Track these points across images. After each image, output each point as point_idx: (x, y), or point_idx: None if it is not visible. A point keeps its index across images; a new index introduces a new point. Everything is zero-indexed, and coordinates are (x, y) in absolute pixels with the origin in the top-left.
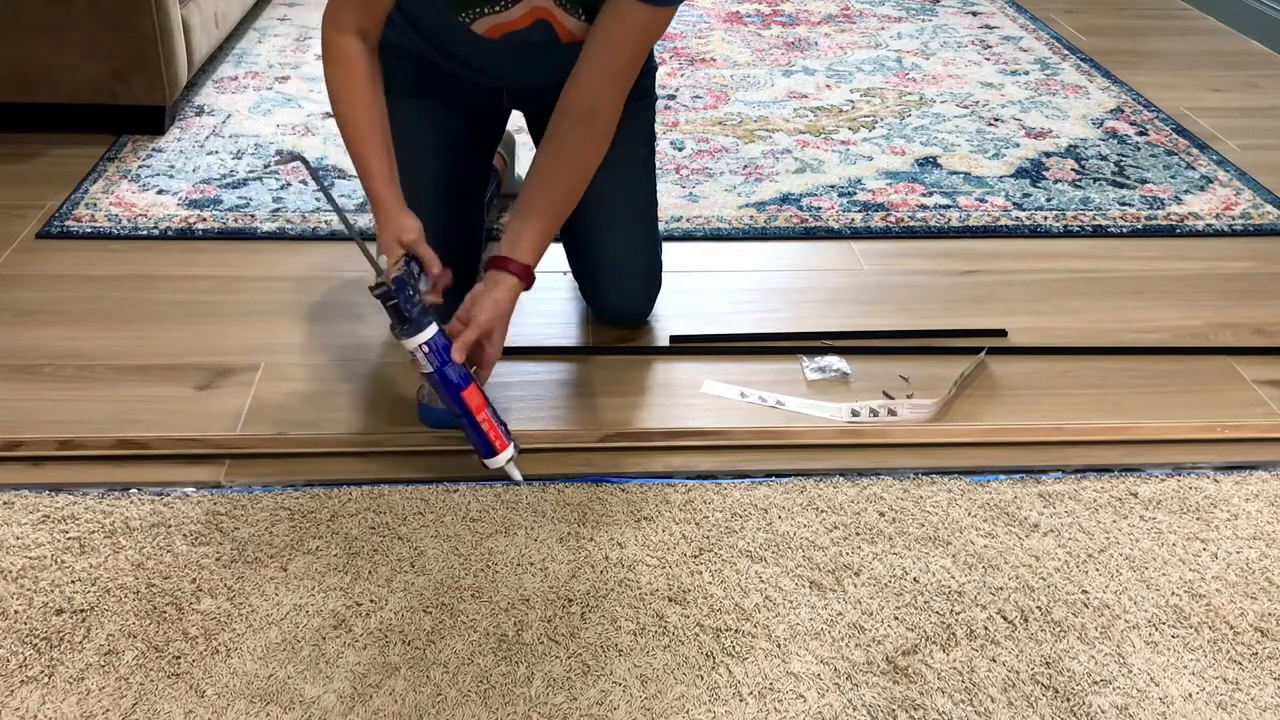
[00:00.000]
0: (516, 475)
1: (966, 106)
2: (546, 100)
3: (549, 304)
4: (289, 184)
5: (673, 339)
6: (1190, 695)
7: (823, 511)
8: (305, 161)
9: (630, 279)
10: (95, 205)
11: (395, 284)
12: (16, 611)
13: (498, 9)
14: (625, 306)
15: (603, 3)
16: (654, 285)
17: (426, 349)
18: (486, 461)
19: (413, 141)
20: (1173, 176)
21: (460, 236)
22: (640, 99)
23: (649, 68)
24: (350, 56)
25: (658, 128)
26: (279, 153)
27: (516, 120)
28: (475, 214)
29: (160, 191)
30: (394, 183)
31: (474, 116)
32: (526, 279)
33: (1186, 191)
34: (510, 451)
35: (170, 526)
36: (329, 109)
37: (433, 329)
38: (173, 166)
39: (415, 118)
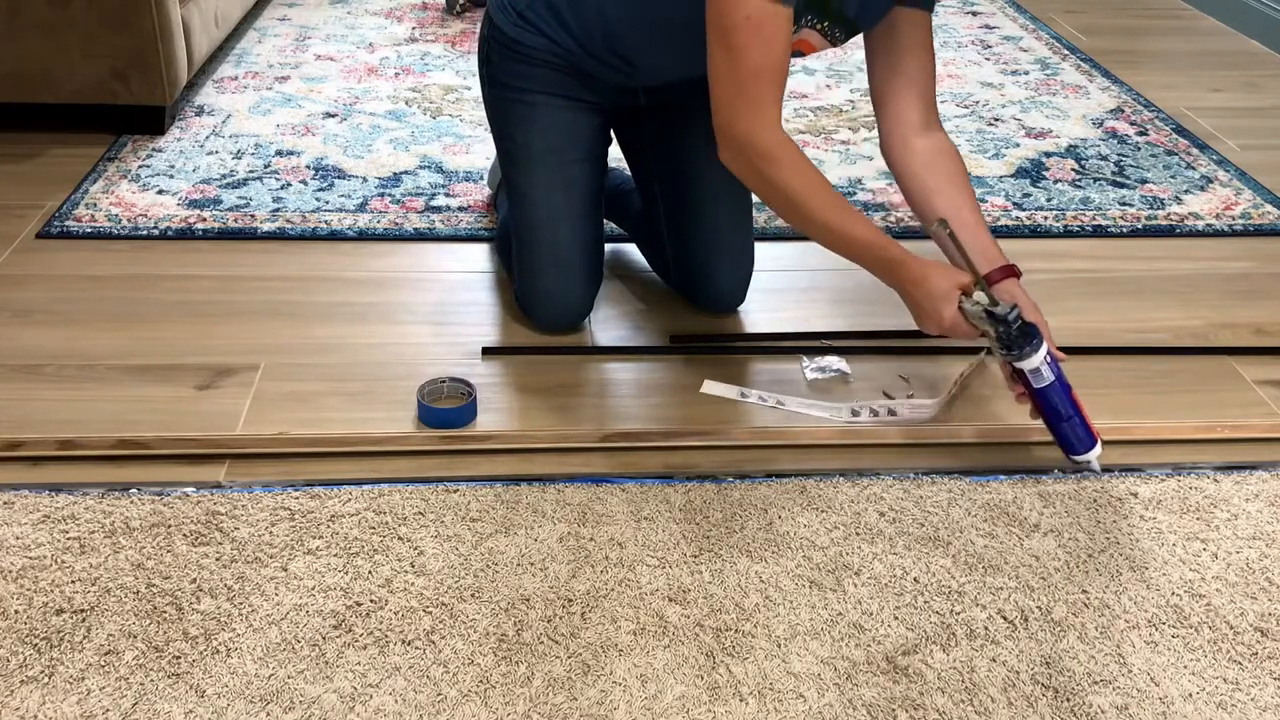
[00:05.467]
0: (1098, 466)
1: (966, 106)
2: (682, 91)
3: None
4: (289, 184)
5: (673, 339)
6: (1190, 695)
7: (823, 511)
8: (947, 227)
9: (743, 265)
10: (95, 205)
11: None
12: (16, 611)
13: None
14: (736, 292)
15: (868, 26)
16: (751, 269)
17: (1049, 359)
18: (1082, 456)
19: (561, 146)
20: (1173, 176)
21: (599, 242)
22: None
23: None
24: (799, 154)
25: None
26: (941, 221)
27: None
28: (601, 220)
29: (160, 191)
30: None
31: (606, 117)
32: (1019, 275)
33: (1186, 191)
34: (1100, 442)
35: (170, 526)
36: (330, 109)
37: (1045, 342)
38: (173, 166)
39: (565, 121)
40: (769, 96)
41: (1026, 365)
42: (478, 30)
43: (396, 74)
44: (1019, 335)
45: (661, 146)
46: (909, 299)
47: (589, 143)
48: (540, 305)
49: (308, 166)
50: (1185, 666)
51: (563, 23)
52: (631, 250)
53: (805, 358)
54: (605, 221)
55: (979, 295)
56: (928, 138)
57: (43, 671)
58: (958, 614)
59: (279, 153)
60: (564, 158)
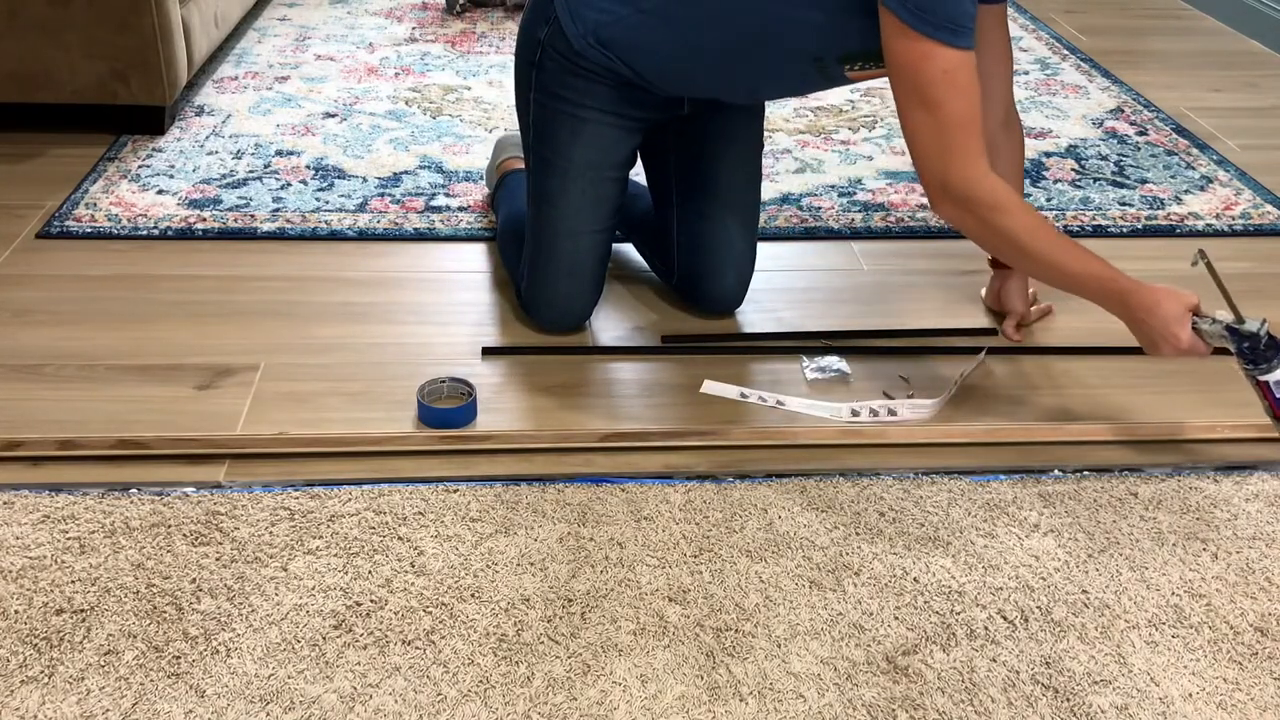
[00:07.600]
0: None
1: None
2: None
3: None
4: (289, 184)
5: (673, 338)
6: (1190, 695)
7: (823, 511)
8: (1208, 261)
9: (747, 269)
10: (95, 205)
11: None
12: (16, 611)
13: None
14: (739, 294)
15: None
16: (753, 272)
17: None
18: None
19: (599, 163)
20: (1173, 176)
21: (610, 251)
22: None
23: None
24: (1018, 196)
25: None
26: (1200, 252)
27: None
28: (615, 231)
29: (160, 191)
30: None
31: (644, 135)
32: None
33: (1186, 191)
34: None
35: (170, 526)
36: (330, 109)
37: None
38: (173, 166)
39: (609, 139)
40: (976, 144)
41: (1272, 378)
42: (476, 26)
43: (396, 74)
44: (1267, 349)
45: (685, 150)
46: (1141, 326)
47: (625, 162)
48: (548, 309)
49: (308, 166)
50: (1185, 666)
51: (647, 54)
52: (632, 250)
53: (805, 358)
54: None
55: (1218, 314)
56: (1002, 127)
57: (43, 671)
58: (958, 614)
59: (279, 153)
60: (599, 174)
